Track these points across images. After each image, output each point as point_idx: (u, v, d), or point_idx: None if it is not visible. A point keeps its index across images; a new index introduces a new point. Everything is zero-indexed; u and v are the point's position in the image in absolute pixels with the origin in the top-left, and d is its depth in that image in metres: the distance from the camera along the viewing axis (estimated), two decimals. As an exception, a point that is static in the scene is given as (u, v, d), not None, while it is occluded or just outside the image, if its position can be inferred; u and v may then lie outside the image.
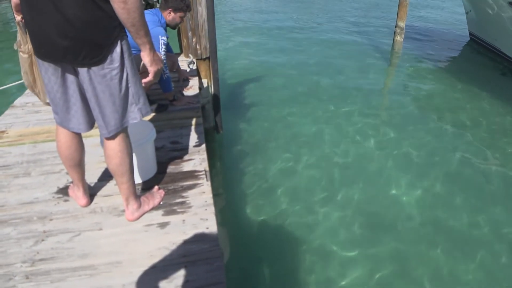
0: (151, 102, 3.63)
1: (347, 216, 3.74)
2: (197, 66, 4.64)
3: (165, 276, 1.90)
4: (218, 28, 4.89)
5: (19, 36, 2.95)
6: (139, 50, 2.05)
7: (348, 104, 5.96)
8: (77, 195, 2.37)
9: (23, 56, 3.09)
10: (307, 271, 3.16)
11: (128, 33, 1.94)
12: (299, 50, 8.46)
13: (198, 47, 4.65)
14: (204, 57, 4.70)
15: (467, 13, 9.27)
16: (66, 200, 2.44)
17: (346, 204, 3.90)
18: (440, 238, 3.51)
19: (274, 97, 6.11)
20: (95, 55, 1.77)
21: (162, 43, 3.28)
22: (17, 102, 3.86)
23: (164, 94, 3.60)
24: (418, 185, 4.19)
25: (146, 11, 3.41)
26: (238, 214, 3.72)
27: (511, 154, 4.85)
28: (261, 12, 11.27)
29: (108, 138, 2.01)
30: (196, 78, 4.36)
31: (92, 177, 2.64)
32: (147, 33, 1.80)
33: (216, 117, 4.83)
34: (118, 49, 1.82)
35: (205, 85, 4.64)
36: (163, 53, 3.27)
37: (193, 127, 3.28)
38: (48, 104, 3.51)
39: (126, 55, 1.87)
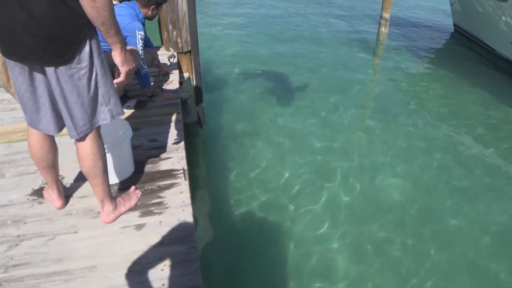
0: (129, 98, 3.57)
1: (331, 209, 3.75)
2: (178, 59, 4.56)
3: (141, 280, 1.87)
4: (199, 20, 4.82)
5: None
6: None
7: (332, 96, 5.94)
8: (52, 197, 2.31)
9: (-6, 56, 3.00)
10: (289, 270, 3.15)
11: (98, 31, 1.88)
12: (282, 41, 8.39)
13: (179, 40, 4.56)
14: (186, 50, 4.62)
15: (451, 4, 9.29)
16: (41, 202, 2.38)
17: (330, 196, 3.91)
18: (423, 227, 3.57)
19: (258, 90, 6.06)
20: (62, 54, 1.71)
21: (139, 38, 3.19)
22: (-8, 99, 3.75)
23: (143, 90, 3.53)
24: (402, 175, 4.25)
25: (122, 4, 3.32)
26: (220, 212, 3.69)
27: (492, 143, 4.92)
28: (243, 4, 11.15)
29: (79, 140, 1.96)
30: (177, 72, 4.28)
31: (67, 178, 2.58)
32: (118, 32, 1.74)
33: (199, 111, 4.77)
34: (87, 48, 1.76)
35: (186, 79, 4.57)
36: (140, 48, 3.19)
37: (172, 124, 3.22)
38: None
39: (95, 55, 1.81)
